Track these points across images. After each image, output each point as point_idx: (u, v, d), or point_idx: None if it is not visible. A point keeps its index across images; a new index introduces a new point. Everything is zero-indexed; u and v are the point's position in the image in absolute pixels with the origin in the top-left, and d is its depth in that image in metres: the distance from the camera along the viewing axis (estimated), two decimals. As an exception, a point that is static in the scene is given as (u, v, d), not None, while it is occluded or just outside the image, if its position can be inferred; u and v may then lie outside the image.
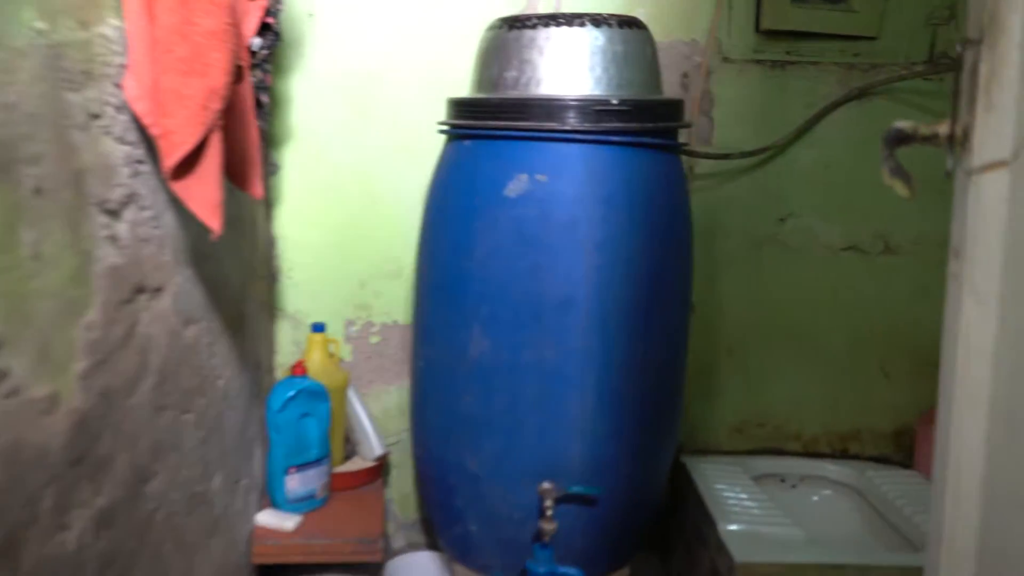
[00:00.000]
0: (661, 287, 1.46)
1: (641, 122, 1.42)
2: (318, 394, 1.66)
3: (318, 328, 1.81)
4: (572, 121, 1.39)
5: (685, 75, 1.97)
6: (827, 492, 2.02)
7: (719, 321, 2.03)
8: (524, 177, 1.41)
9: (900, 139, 0.70)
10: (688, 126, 1.53)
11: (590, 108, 1.39)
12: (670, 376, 1.53)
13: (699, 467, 1.94)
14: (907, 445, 2.07)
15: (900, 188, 0.68)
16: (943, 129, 0.71)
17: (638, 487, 1.53)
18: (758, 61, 2.00)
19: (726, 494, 1.79)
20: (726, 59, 1.99)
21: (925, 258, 2.04)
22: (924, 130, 0.72)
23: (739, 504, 1.75)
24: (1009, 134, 0.65)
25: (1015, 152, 0.64)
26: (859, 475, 1.97)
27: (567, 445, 1.44)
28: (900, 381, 2.07)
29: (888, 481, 1.91)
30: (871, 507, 1.89)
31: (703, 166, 1.99)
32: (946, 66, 1.96)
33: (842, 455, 2.08)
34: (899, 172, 0.68)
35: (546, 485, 1.42)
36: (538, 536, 1.43)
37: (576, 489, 1.42)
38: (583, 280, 1.40)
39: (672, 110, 1.48)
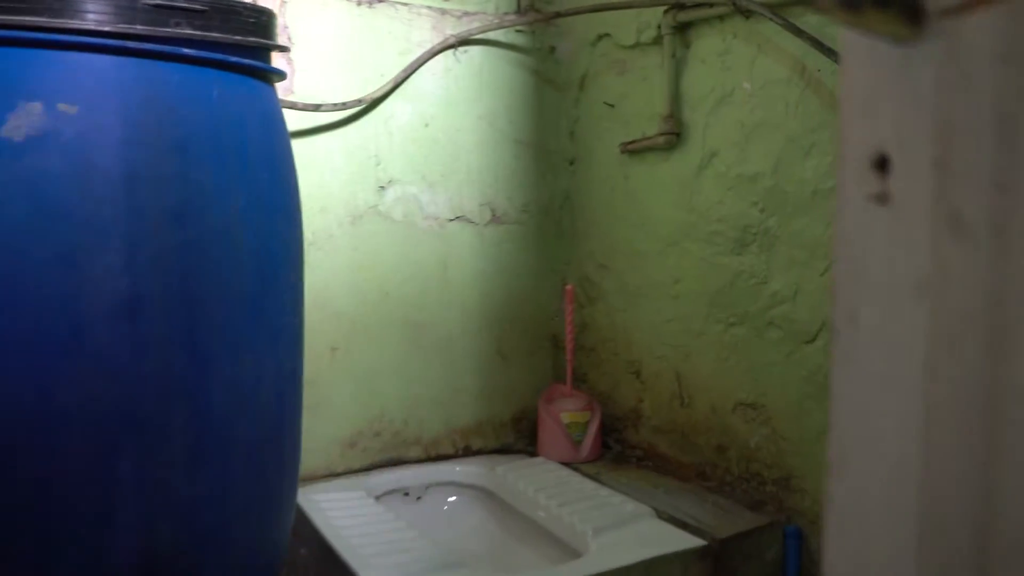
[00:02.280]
0: (270, 270, 1.03)
1: (227, 32, 0.96)
2: None
3: None
4: (113, 20, 0.88)
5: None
6: (454, 499, 1.76)
7: (318, 316, 1.63)
8: (37, 107, 0.86)
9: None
10: (286, 49, 1.10)
11: (143, 1, 0.89)
12: (289, 390, 1.10)
13: (313, 501, 1.53)
14: (527, 430, 1.91)
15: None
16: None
17: (261, 554, 1.08)
18: (341, -5, 1.64)
19: (354, 531, 1.42)
20: (303, -12, 1.59)
21: (532, 227, 1.89)
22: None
23: (374, 541, 1.39)
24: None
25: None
26: (487, 472, 1.75)
27: (149, 531, 0.93)
28: (516, 362, 1.90)
29: (517, 473, 1.71)
30: (506, 506, 1.68)
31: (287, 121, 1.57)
32: (537, 18, 1.81)
33: (466, 453, 1.84)
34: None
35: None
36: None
37: (170, 593, 0.92)
38: (153, 269, 0.90)
39: (265, 21, 1.04)
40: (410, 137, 1.72)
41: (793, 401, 1.46)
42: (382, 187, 1.70)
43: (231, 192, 0.95)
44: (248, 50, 1.00)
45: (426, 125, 1.74)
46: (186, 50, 0.92)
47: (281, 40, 1.54)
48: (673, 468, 1.71)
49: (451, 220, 1.78)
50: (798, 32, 1.36)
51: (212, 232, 0.93)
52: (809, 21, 1.38)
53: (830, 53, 1.32)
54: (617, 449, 1.84)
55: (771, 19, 1.40)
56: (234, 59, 0.97)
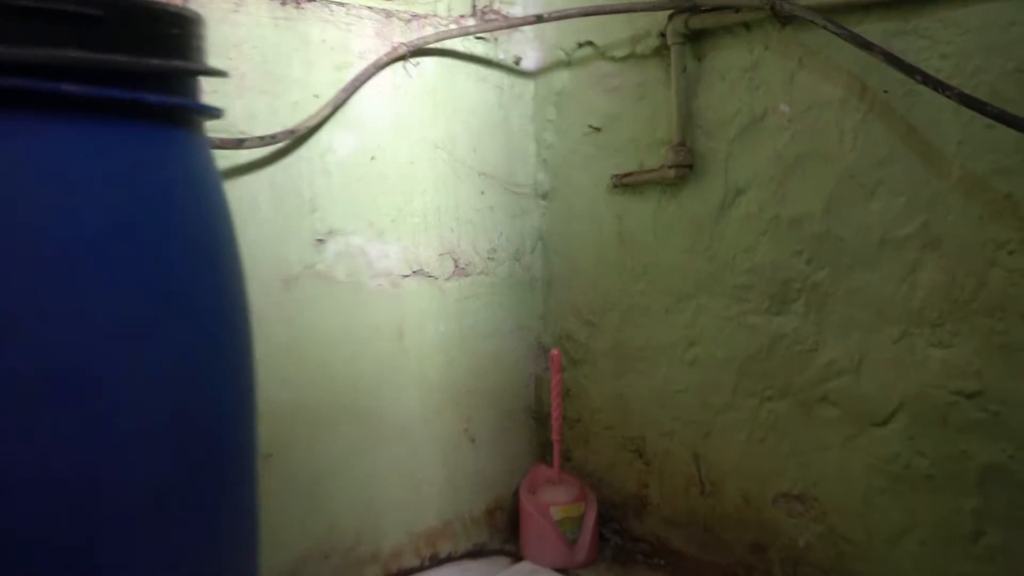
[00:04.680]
0: (227, 450, 0.65)
1: (137, 53, 0.58)
2: None
3: None
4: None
5: (141, 3, 1.11)
6: (427, 626, 1.41)
7: (245, 413, 1.23)
8: None
9: None
10: (222, 74, 0.72)
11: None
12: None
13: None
14: (504, 525, 1.57)
15: None
16: None
17: None
18: (259, -7, 1.25)
19: None
20: (209, -16, 1.20)
21: (501, 277, 1.55)
22: None
23: None
24: None
25: None
26: (464, 588, 1.40)
27: None
28: (487, 443, 1.56)
29: (504, 587, 1.38)
30: (496, 635, 1.34)
31: (194, 162, 1.17)
32: (510, 23, 1.47)
33: (433, 562, 1.49)
34: None
35: None
36: None
37: None
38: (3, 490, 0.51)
39: (193, 34, 0.66)
40: (353, 175, 1.35)
41: (858, 495, 1.19)
42: (320, 240, 1.32)
43: (147, 335, 0.57)
44: (171, 81, 0.62)
45: (372, 158, 1.37)
46: (69, 86, 0.54)
47: (184, 53, 1.13)
48: (693, 569, 1.41)
49: (406, 276, 1.42)
50: (865, 45, 1.08)
51: (112, 412, 0.55)
52: (871, 29, 1.11)
53: (909, 70, 1.05)
54: (616, 542, 1.53)
55: (824, 27, 1.12)
56: (153, 98, 0.59)
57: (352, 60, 1.33)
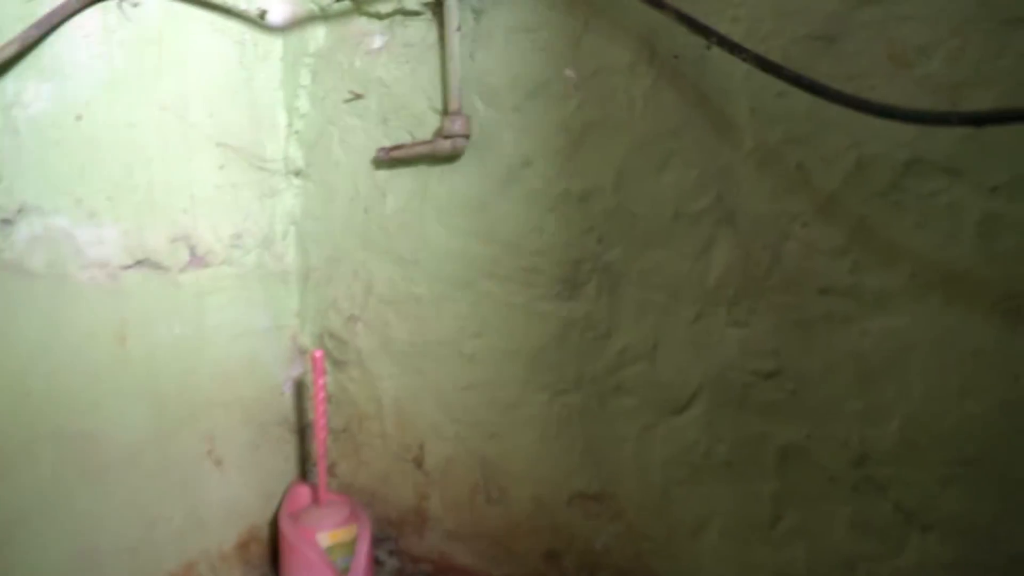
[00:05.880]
0: None
1: None
2: None
3: None
4: None
5: None
6: None
7: None
8: None
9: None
10: None
11: None
12: None
13: None
14: (261, 559, 1.34)
15: None
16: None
17: None
18: None
19: None
20: None
21: (249, 267, 1.32)
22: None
23: None
24: None
25: None
26: (213, 642, 1.16)
27: None
28: (236, 463, 1.32)
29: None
30: None
31: None
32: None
33: (172, 615, 1.22)
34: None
35: None
36: None
37: None
38: None
39: None
40: (52, 137, 1.06)
41: (656, 489, 1.12)
42: (6, 220, 1.02)
43: None
44: None
45: (78, 118, 1.09)
46: None
47: None
48: (482, 585, 1.27)
49: (128, 267, 1.15)
50: (656, 3, 1.01)
51: None
52: (661, -10, 1.04)
53: (704, 32, 0.98)
54: (393, 565, 1.35)
55: (613, -16, 1.03)
56: None
57: (46, -10, 1.04)
